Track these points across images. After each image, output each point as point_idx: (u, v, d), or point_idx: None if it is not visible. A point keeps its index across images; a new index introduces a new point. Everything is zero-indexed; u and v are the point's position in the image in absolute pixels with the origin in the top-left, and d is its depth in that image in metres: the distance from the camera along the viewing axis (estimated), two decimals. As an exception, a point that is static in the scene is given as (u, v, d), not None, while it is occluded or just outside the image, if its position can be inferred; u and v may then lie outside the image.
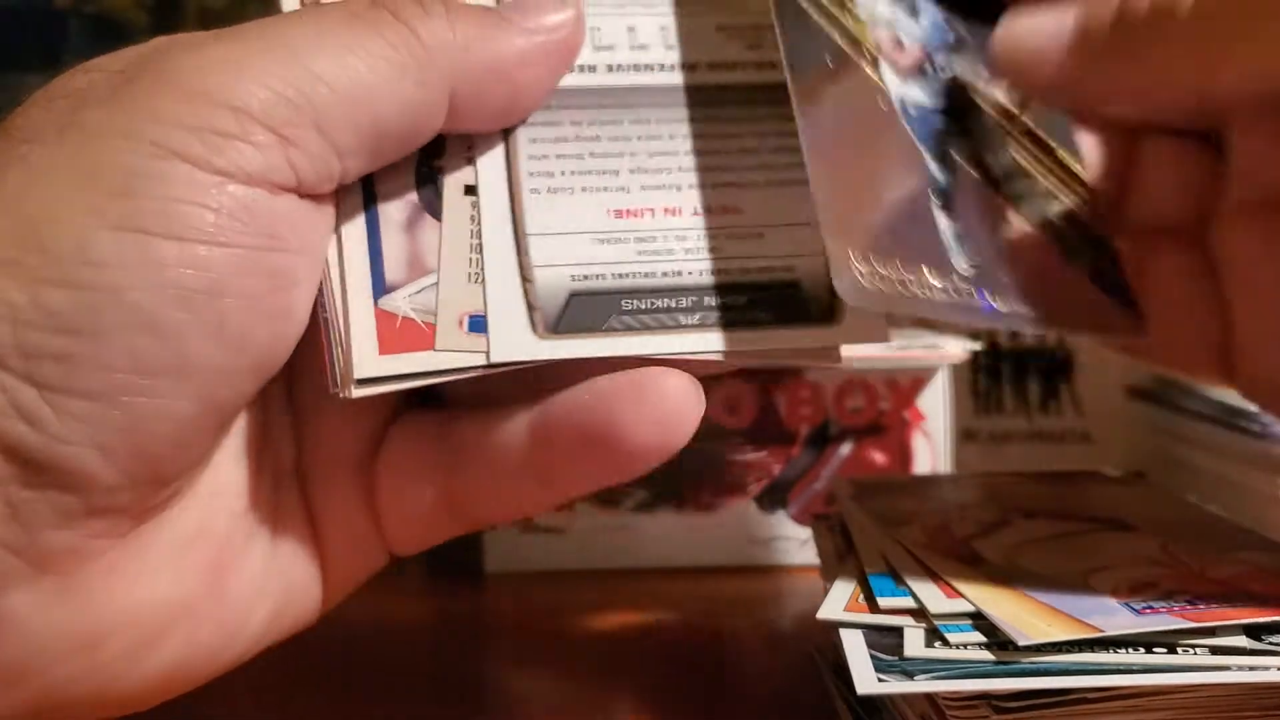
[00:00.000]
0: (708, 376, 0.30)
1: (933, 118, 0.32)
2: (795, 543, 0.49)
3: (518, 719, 0.38)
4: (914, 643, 0.28)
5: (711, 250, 0.31)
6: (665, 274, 0.30)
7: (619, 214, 0.31)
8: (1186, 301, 0.32)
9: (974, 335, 0.51)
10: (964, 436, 0.55)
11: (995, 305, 0.30)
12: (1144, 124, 0.32)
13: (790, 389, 0.49)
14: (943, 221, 0.31)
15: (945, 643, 0.28)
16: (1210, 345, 0.32)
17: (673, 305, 0.30)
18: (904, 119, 0.31)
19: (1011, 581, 0.31)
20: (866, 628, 0.29)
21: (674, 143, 0.31)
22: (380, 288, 0.29)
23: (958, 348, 0.48)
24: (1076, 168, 0.33)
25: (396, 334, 0.29)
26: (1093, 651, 0.27)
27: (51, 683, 0.27)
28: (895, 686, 0.27)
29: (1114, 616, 0.28)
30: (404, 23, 0.28)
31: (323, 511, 0.32)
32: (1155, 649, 0.27)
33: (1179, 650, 0.27)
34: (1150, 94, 0.31)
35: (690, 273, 0.31)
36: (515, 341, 0.29)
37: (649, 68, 0.32)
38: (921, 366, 0.49)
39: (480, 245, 0.30)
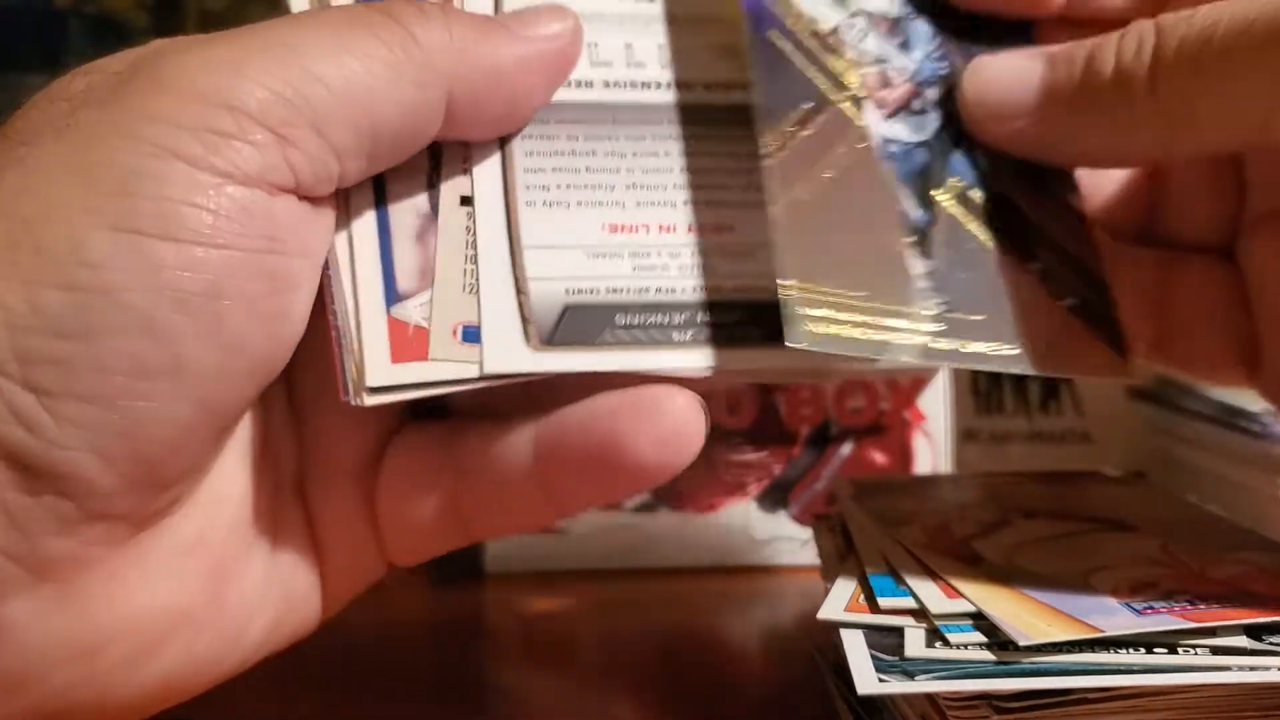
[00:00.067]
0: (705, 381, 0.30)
1: (917, 153, 0.32)
2: (796, 543, 0.49)
3: (518, 720, 0.38)
4: (914, 643, 0.28)
5: (705, 268, 0.31)
6: (659, 290, 0.31)
7: (614, 229, 0.31)
8: (1212, 311, 0.32)
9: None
10: (964, 436, 0.54)
11: (959, 349, 0.30)
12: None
13: (791, 389, 0.49)
14: (915, 264, 0.31)
15: (946, 643, 0.28)
16: (1236, 353, 0.32)
17: (665, 321, 0.30)
18: (884, 159, 0.31)
19: (1012, 581, 0.31)
20: (867, 628, 0.29)
21: (669, 160, 0.31)
22: (393, 296, 0.29)
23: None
24: (1070, 198, 0.32)
25: (409, 342, 0.29)
26: (1093, 652, 0.27)
27: (50, 690, 0.27)
28: (896, 687, 0.27)
29: (1114, 617, 0.28)
30: (402, 25, 0.28)
31: (323, 520, 0.32)
32: (1156, 649, 0.27)
33: (1179, 650, 0.27)
34: (1118, 152, 0.31)
35: (683, 289, 0.31)
36: (509, 353, 0.29)
37: (645, 85, 0.32)
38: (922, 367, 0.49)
39: (475, 256, 0.30)
